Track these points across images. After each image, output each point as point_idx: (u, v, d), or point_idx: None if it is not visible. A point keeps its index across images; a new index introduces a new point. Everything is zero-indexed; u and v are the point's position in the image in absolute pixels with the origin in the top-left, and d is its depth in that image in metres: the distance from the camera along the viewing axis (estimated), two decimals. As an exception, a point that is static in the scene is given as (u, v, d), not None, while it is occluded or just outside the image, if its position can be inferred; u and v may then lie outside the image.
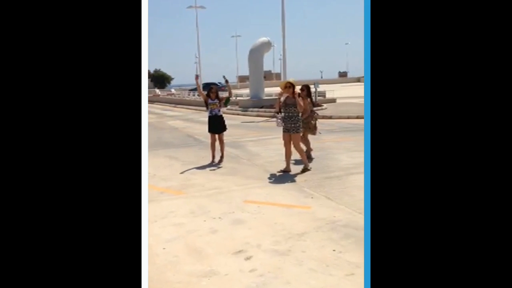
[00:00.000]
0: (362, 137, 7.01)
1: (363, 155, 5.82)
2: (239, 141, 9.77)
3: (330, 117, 13.87)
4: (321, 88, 21.20)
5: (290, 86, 6.18)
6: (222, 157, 7.27)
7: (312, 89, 19.92)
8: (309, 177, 5.85)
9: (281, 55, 18.41)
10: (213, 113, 7.30)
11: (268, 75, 62.11)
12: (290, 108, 6.16)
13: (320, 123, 8.85)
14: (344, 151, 7.74)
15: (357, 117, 13.29)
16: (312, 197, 4.89)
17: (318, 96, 19.82)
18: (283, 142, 6.39)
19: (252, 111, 17.24)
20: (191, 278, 2.94)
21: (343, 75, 78.05)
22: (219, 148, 7.38)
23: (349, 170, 6.21)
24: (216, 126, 7.33)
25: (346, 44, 75.87)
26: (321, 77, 73.95)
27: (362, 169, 6.05)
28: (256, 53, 19.07)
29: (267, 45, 19.41)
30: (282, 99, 6.26)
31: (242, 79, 58.29)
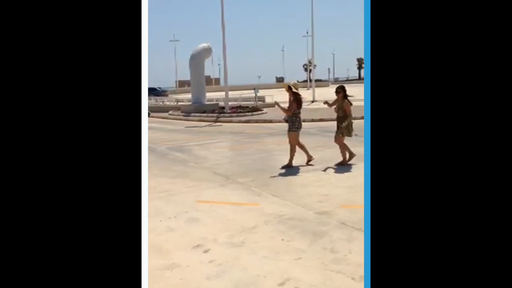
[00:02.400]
0: (301, 139, 7.56)
1: (301, 156, 6.36)
2: (185, 145, 9.96)
3: (271, 121, 14.45)
4: (261, 93, 21.85)
5: (289, 89, 6.93)
6: None
7: (252, 94, 20.55)
8: (256, 177, 6.25)
9: (220, 60, 18.73)
10: None
11: (207, 80, 62.10)
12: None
13: (261, 127, 9.31)
14: (285, 153, 8.23)
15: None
16: (259, 195, 5.28)
17: (258, 101, 20.45)
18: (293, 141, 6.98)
19: (194, 116, 17.40)
20: (154, 272, 3.18)
21: (280, 80, 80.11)
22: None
23: (290, 170, 6.70)
24: None
25: (282, 50, 77.84)
26: (259, 82, 75.37)
27: (304, 169, 6.60)
28: (197, 59, 19.27)
29: (207, 51, 19.69)
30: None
31: (182, 83, 57.72)
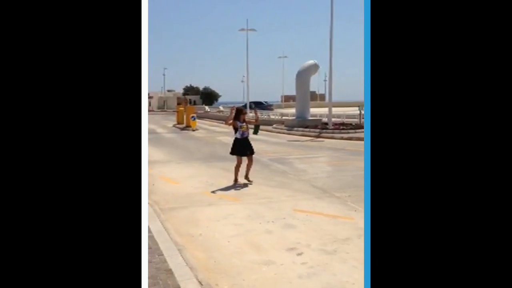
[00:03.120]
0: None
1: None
2: (286, 158, 10.39)
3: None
4: (366, 111, 21.50)
5: None
6: (247, 175, 7.26)
7: (356, 112, 20.30)
8: (353, 193, 6.35)
9: (326, 76, 18.96)
10: (244, 135, 7.22)
11: (312, 96, 62.71)
12: None
13: (363, 145, 9.26)
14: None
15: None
16: (355, 210, 5.41)
17: (363, 118, 20.13)
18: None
19: (297, 130, 17.85)
20: (253, 265, 3.57)
21: (389, 98, 77.26)
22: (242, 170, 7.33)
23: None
24: (246, 148, 7.24)
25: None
26: (366, 100, 73.49)
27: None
28: (304, 75, 19.78)
29: (314, 68, 20.08)
30: None
31: (287, 98, 59.13)
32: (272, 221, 4.92)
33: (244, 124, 7.26)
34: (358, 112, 19.92)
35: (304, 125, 18.36)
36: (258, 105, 35.58)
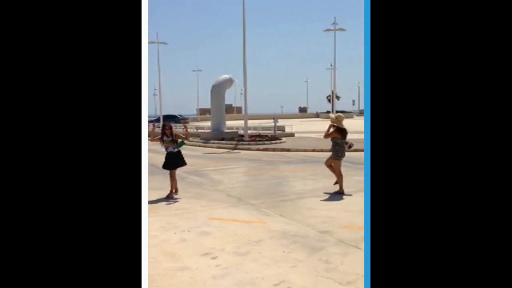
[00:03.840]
0: (316, 168, 7.98)
1: (315, 183, 6.85)
2: (202, 170, 10.47)
3: (288, 150, 14.90)
4: (281, 123, 22.46)
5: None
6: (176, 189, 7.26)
7: (272, 124, 21.09)
8: (266, 200, 6.66)
9: (242, 89, 19.51)
10: (169, 150, 7.21)
11: (229, 109, 63.53)
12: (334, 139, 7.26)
13: (279, 155, 9.64)
14: (299, 179, 8.66)
15: (313, 150, 14.40)
16: (268, 215, 5.69)
17: (278, 130, 20.99)
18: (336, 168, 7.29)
19: (213, 143, 18.01)
20: (168, 272, 3.62)
21: (303, 110, 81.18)
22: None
23: (301, 194, 7.09)
24: (176, 161, 7.22)
25: (306, 81, 79.53)
26: (282, 112, 76.50)
27: (313, 194, 7.00)
28: (218, 89, 20.12)
29: (228, 82, 20.54)
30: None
31: (203, 111, 59.22)
32: (188, 230, 4.98)
33: (170, 139, 7.18)
34: (273, 124, 20.74)
35: (220, 137, 18.59)
36: (172, 118, 35.08)
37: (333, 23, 22.69)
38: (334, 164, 7.26)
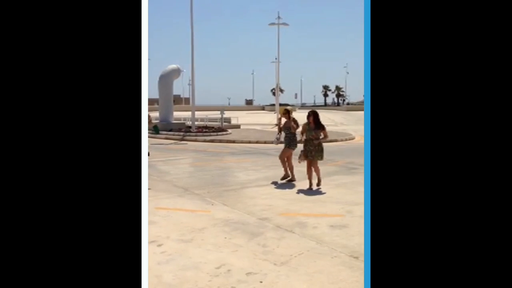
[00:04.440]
0: (258, 159, 8.39)
1: (257, 173, 7.23)
2: (149, 161, 10.52)
3: (234, 141, 15.24)
4: (227, 115, 22.73)
5: (286, 112, 7.80)
6: None
7: (218, 116, 21.30)
8: (211, 190, 6.96)
9: (190, 80, 19.50)
10: None
11: (177, 100, 62.66)
12: (288, 130, 7.65)
13: (224, 146, 9.87)
14: (242, 170, 9.03)
15: (257, 142, 14.85)
16: (212, 204, 5.99)
17: (224, 122, 21.26)
18: (283, 156, 7.66)
19: (161, 134, 17.91)
20: (114, 259, 3.82)
21: (249, 102, 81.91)
22: None
23: (244, 184, 7.46)
24: None
25: (252, 74, 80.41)
26: (229, 104, 76.72)
27: (255, 184, 7.38)
28: (166, 79, 19.95)
29: (176, 72, 20.43)
30: (282, 122, 7.85)
31: (151, 101, 57.79)
32: (134, 220, 5.16)
33: None
34: (220, 115, 20.96)
35: (168, 128, 18.52)
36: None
37: (277, 17, 23.24)
38: (287, 152, 7.65)
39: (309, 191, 6.85)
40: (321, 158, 7.13)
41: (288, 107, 8.74)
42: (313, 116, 7.10)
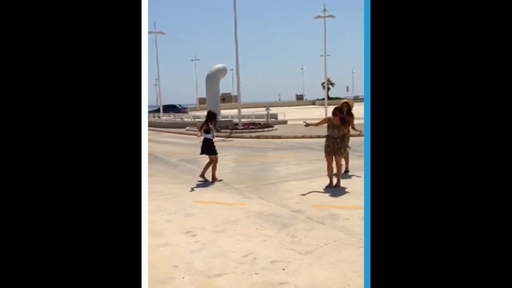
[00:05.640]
0: (301, 153, 8.46)
1: (299, 167, 7.28)
2: (195, 158, 10.92)
3: (279, 137, 15.37)
4: (274, 111, 22.90)
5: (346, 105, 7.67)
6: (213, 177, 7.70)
7: (264, 112, 21.50)
8: (250, 184, 7.15)
9: (239, 78, 19.87)
10: (212, 136, 8.01)
11: (227, 98, 63.77)
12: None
13: (269, 142, 9.93)
14: (284, 165, 9.14)
15: (302, 137, 14.86)
16: (249, 198, 6.18)
17: (271, 118, 21.43)
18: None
19: (209, 131, 18.46)
20: (151, 248, 4.10)
21: (299, 98, 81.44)
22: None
23: (283, 178, 7.58)
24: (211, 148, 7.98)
25: (301, 69, 79.91)
26: (279, 100, 76.75)
27: (294, 178, 7.47)
28: (213, 78, 20.51)
29: (222, 71, 20.91)
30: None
31: (202, 100, 59.47)
32: (174, 213, 5.48)
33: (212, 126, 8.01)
34: (266, 112, 21.16)
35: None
36: (171, 108, 35.49)
37: (323, 10, 22.94)
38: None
39: (348, 183, 6.82)
40: (342, 153, 6.69)
41: (347, 100, 8.36)
42: (339, 112, 6.70)
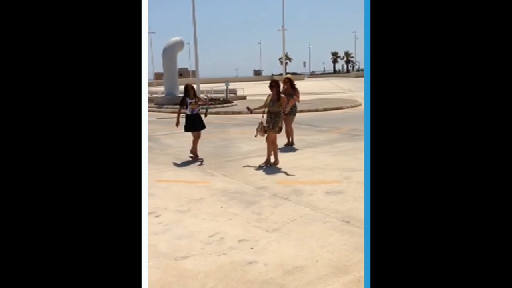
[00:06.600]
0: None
1: (260, 143, 7.22)
2: (154, 135, 10.63)
3: (239, 113, 15.22)
4: (233, 86, 22.63)
5: (288, 81, 8.43)
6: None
7: (223, 87, 21.21)
8: (212, 161, 7.04)
9: (197, 52, 19.34)
10: (194, 112, 7.46)
11: (184, 73, 62.32)
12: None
13: (229, 118, 9.81)
14: (245, 141, 9.07)
15: (263, 112, 14.79)
16: (212, 175, 6.08)
17: (230, 93, 21.18)
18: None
19: (167, 107, 17.98)
20: (113, 230, 3.95)
21: (257, 73, 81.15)
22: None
23: (246, 155, 7.52)
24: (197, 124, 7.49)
25: (259, 43, 79.26)
26: (237, 75, 76.11)
27: (256, 154, 7.43)
28: (170, 52, 19.80)
29: (180, 45, 20.22)
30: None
31: (158, 75, 57.76)
32: (134, 193, 5.28)
33: (193, 101, 7.43)
34: (225, 87, 20.87)
35: (173, 102, 18.52)
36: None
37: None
38: (291, 120, 8.11)
39: (309, 158, 6.87)
40: (278, 131, 6.65)
41: (289, 76, 8.97)
42: (276, 85, 6.82)
